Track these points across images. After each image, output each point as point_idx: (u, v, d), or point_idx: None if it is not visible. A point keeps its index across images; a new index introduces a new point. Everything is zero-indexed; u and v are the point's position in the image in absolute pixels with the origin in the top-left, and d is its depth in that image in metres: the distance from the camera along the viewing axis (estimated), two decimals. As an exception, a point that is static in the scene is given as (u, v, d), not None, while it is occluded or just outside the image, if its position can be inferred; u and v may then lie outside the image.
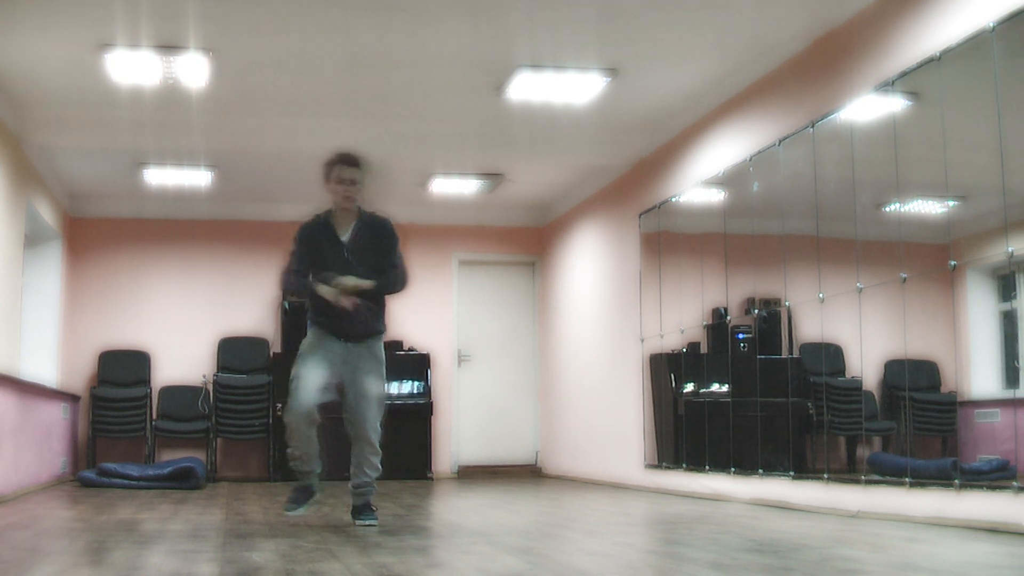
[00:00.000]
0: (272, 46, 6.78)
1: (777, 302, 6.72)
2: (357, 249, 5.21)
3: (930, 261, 5.40)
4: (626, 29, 6.44)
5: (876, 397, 5.83)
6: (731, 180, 7.26)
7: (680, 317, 7.95)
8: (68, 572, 3.53)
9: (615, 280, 9.36)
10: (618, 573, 3.61)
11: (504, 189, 10.18)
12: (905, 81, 5.41)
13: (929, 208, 5.64)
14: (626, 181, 9.12)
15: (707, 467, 7.38)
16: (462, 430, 11.24)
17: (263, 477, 10.11)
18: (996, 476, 4.84)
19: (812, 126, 6.22)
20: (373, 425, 5.17)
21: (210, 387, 10.27)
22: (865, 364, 5.86)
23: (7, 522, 5.39)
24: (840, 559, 3.91)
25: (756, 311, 7.00)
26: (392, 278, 5.26)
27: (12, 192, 7.85)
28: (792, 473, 6.38)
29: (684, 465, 7.74)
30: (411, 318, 10.49)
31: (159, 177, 9.47)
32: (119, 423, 9.90)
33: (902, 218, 5.60)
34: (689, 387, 7.96)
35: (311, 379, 5.10)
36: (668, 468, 8.01)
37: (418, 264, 9.46)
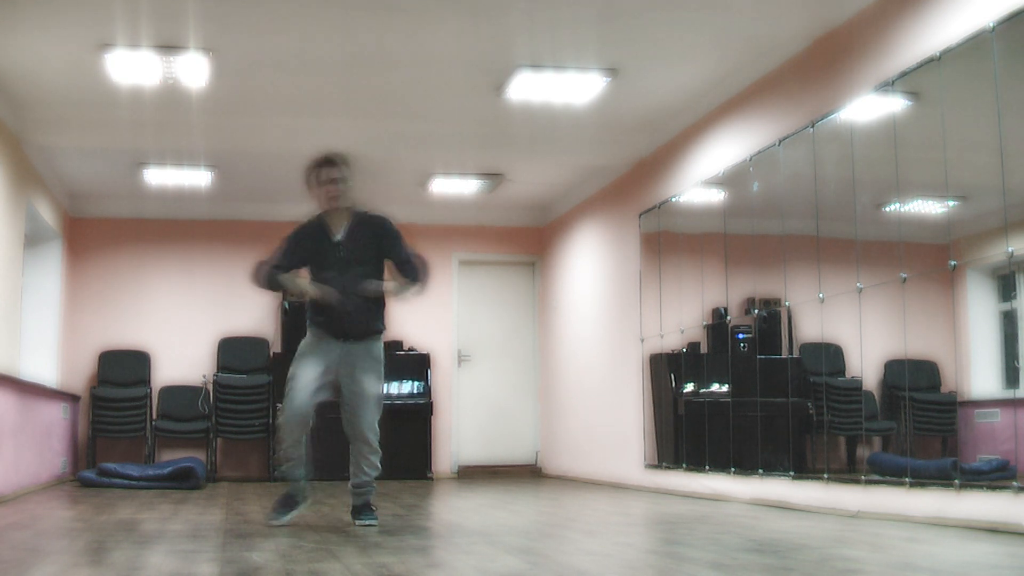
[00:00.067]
0: (272, 46, 6.78)
1: (777, 302, 6.72)
2: (352, 247, 5.20)
3: (930, 261, 5.40)
4: (626, 29, 6.44)
5: (876, 397, 5.83)
6: (731, 180, 7.26)
7: (680, 317, 7.95)
8: (68, 572, 3.53)
9: (615, 280, 9.36)
10: (618, 573, 3.61)
11: (504, 189, 10.18)
12: (905, 81, 5.41)
13: (929, 208, 5.64)
14: (626, 181, 9.12)
15: (707, 467, 7.38)
16: (462, 430, 11.24)
17: (263, 477, 10.10)
18: (996, 476, 4.84)
19: (812, 126, 6.22)
20: (371, 425, 5.16)
21: (210, 387, 10.27)
22: (865, 364, 5.86)
23: (7, 522, 5.39)
24: (840, 559, 3.91)
25: (756, 311, 7.00)
26: (415, 271, 5.26)
27: (12, 192, 7.85)
28: (792, 473, 6.38)
29: (684, 465, 7.74)
30: (411, 318, 10.48)
31: (159, 177, 9.47)
32: (119, 423, 9.90)
33: (902, 218, 5.60)
34: (689, 387, 7.96)
35: (306, 381, 5.11)
36: (668, 468, 8.01)
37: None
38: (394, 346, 10.47)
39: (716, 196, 7.58)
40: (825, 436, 6.32)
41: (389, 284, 5.23)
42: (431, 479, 10.22)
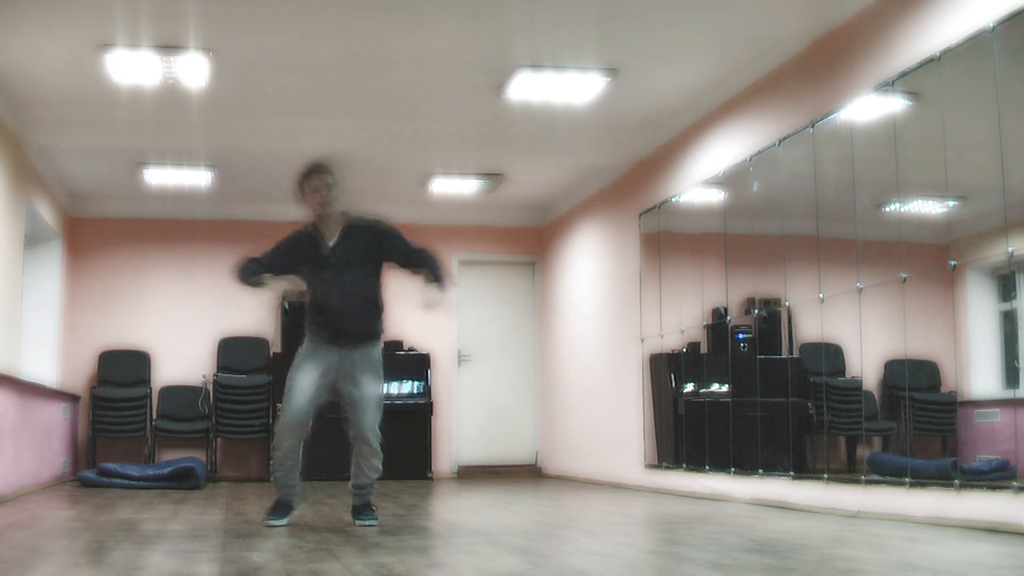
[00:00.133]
0: (272, 46, 6.78)
1: (777, 302, 6.72)
2: (346, 254, 5.21)
3: (930, 261, 5.40)
4: (626, 29, 6.44)
5: (876, 397, 5.83)
6: (731, 180, 7.26)
7: (680, 317, 7.95)
8: (68, 572, 3.53)
9: (615, 280, 9.36)
10: (618, 573, 3.61)
11: (504, 189, 10.18)
12: (905, 81, 5.41)
13: (929, 208, 5.64)
14: (626, 181, 9.12)
15: (707, 467, 7.38)
16: (462, 430, 11.24)
17: (263, 477, 10.09)
18: (996, 476, 4.84)
19: (812, 126, 6.22)
20: (372, 427, 5.17)
21: (210, 387, 10.27)
22: (865, 364, 5.86)
23: (7, 522, 5.39)
24: (840, 559, 3.91)
25: (756, 311, 7.00)
26: (429, 261, 5.29)
27: (12, 192, 7.85)
28: (792, 473, 6.38)
29: (684, 465, 7.74)
30: (411, 318, 10.43)
31: (159, 177, 9.47)
32: (119, 423, 9.90)
33: (902, 218, 5.60)
34: (689, 387, 7.96)
35: (304, 388, 5.14)
36: (668, 468, 8.01)
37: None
38: (394, 346, 10.47)
39: (716, 196, 7.58)
40: (825, 436, 6.32)
41: (430, 296, 5.24)
42: (431, 479, 10.22)
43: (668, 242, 8.27)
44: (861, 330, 5.80)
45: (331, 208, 5.21)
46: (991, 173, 4.78)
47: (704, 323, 7.62)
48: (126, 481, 8.45)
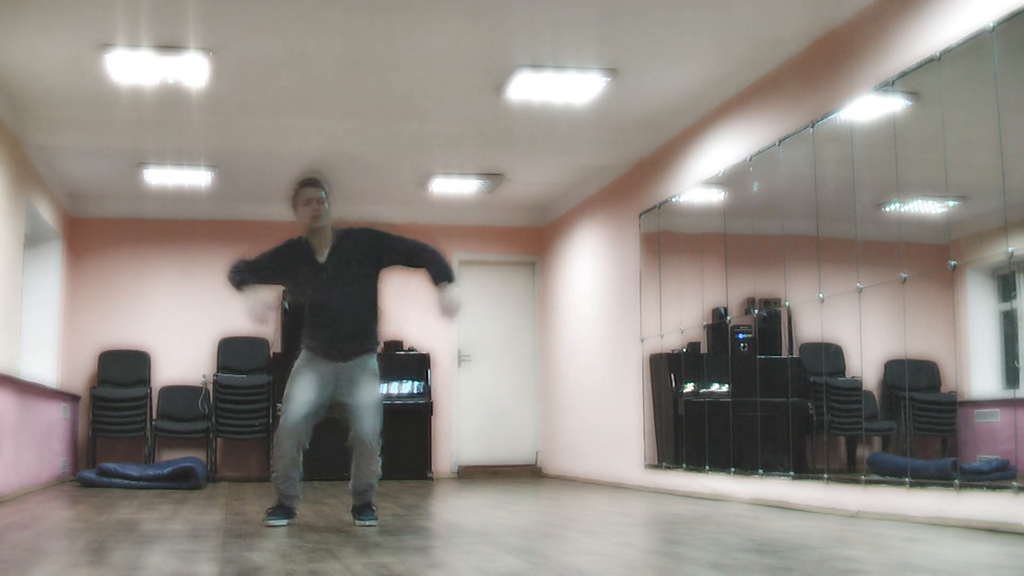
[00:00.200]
0: (272, 46, 6.78)
1: (777, 302, 6.72)
2: (338, 268, 5.24)
3: (930, 261, 5.40)
4: (626, 29, 6.44)
5: (876, 397, 5.83)
6: (731, 180, 7.26)
7: (680, 317, 7.95)
8: (68, 572, 3.53)
9: (615, 280, 9.36)
10: (618, 573, 3.61)
11: (504, 189, 10.18)
12: (905, 81, 5.41)
13: (929, 208, 5.64)
14: (626, 181, 9.12)
15: (707, 467, 7.38)
16: (462, 430, 11.24)
17: (263, 477, 10.09)
18: (996, 476, 4.84)
19: (812, 126, 6.22)
20: (372, 433, 5.19)
21: (210, 387, 10.27)
22: (865, 364, 5.86)
23: (7, 522, 5.39)
24: (840, 559, 3.91)
25: (756, 311, 7.00)
26: (429, 259, 5.30)
27: (12, 192, 7.85)
28: (792, 473, 6.38)
29: (684, 465, 7.74)
30: (411, 318, 10.47)
31: (159, 177, 9.47)
32: (119, 423, 9.90)
33: (902, 218, 5.60)
34: (689, 387, 7.96)
35: (301, 400, 5.18)
36: (668, 468, 8.01)
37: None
38: (394, 346, 10.48)
39: (716, 196, 7.58)
40: (825, 436, 6.32)
41: (445, 301, 5.25)
42: (431, 479, 10.22)
43: (668, 242, 8.27)
44: (861, 330, 5.80)
45: (322, 222, 5.26)
46: (991, 173, 4.78)
47: (704, 323, 7.62)
48: (126, 481, 8.45)
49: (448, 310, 5.27)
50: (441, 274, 5.27)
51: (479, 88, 7.52)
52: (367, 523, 5.17)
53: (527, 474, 11.12)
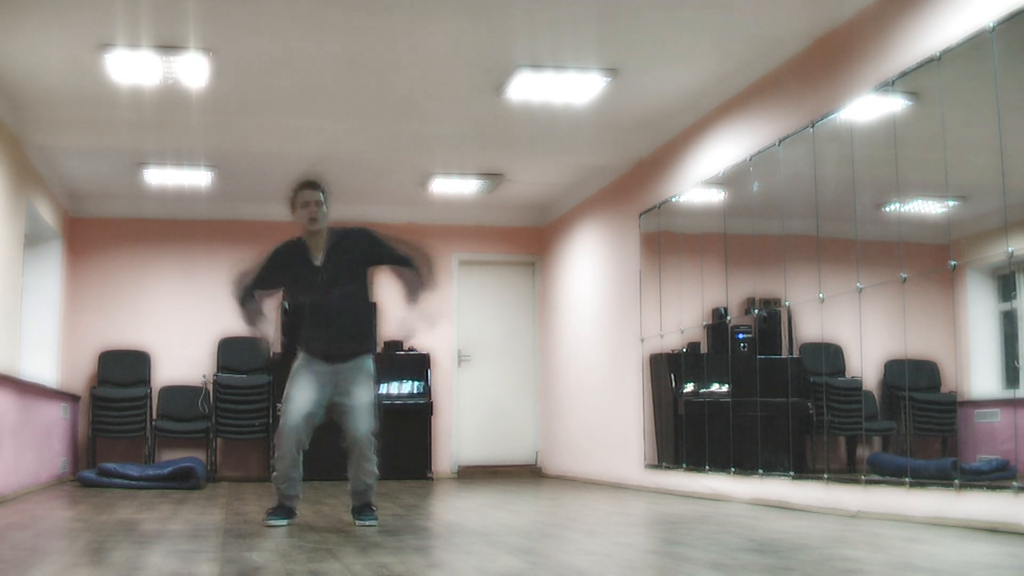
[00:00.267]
0: (272, 46, 6.78)
1: (777, 302, 6.72)
2: (333, 270, 5.28)
3: (930, 261, 5.40)
4: (626, 29, 6.44)
5: (876, 397, 5.83)
6: (731, 180, 7.26)
7: (680, 317, 7.95)
8: (68, 572, 3.53)
9: (615, 280, 9.36)
10: (618, 573, 3.61)
11: (504, 189, 10.18)
12: (905, 81, 5.41)
13: (929, 208, 5.64)
14: (626, 181, 9.12)
15: (707, 467, 7.38)
16: (462, 430, 11.24)
17: (263, 477, 10.09)
18: (996, 476, 4.84)
19: (812, 126, 6.22)
20: (367, 433, 5.21)
21: (210, 387, 10.27)
22: (865, 364, 5.86)
23: (7, 522, 5.39)
24: (840, 559, 3.91)
25: (756, 311, 7.00)
26: (414, 261, 5.35)
27: (12, 192, 7.85)
28: (792, 473, 6.38)
29: (684, 465, 7.74)
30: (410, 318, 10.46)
31: (159, 177, 9.47)
32: (119, 423, 9.90)
33: (902, 218, 5.60)
34: (689, 387, 7.96)
35: (300, 401, 5.23)
36: (668, 468, 8.01)
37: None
38: (394, 346, 10.47)
39: (716, 196, 7.58)
40: (825, 436, 6.32)
41: (411, 299, 5.37)
42: (431, 479, 10.22)
43: (668, 242, 8.27)
44: (861, 330, 5.80)
45: (319, 224, 5.31)
46: (991, 173, 4.78)
47: (704, 323, 7.62)
48: (126, 481, 8.45)
49: (414, 329, 5.43)
50: (414, 290, 5.36)
51: (479, 88, 7.52)
52: (367, 523, 5.18)
53: (527, 474, 11.12)
